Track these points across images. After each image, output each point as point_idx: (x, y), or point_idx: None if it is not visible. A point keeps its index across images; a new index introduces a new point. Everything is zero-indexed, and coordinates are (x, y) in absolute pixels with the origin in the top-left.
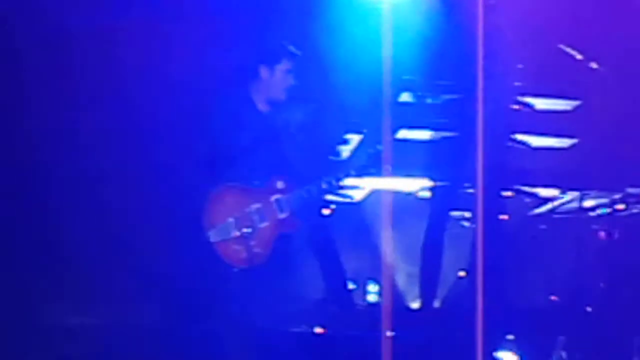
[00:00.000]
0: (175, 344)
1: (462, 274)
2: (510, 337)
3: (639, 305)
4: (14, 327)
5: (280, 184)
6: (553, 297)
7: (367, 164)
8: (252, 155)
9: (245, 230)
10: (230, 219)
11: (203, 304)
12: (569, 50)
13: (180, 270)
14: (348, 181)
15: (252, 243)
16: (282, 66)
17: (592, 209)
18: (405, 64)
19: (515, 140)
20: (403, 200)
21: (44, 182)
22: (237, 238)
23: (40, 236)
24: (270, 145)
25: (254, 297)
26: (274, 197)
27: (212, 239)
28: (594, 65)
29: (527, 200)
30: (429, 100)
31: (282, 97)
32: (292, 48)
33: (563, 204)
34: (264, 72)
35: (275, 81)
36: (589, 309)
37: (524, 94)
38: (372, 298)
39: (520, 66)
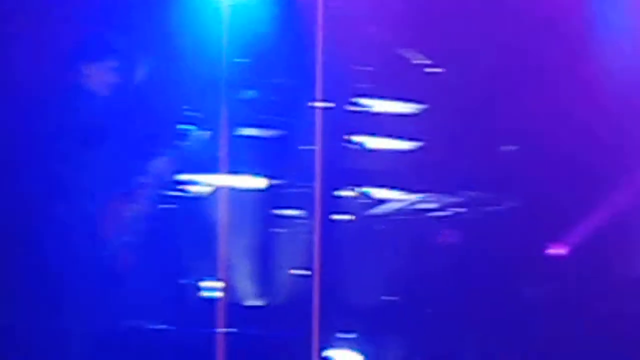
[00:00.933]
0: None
1: (298, 272)
2: (346, 335)
3: (475, 306)
4: None
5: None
6: (391, 297)
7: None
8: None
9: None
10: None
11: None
12: (410, 53)
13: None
14: (185, 176)
15: None
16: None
17: (432, 211)
18: (243, 62)
19: (350, 141)
20: (240, 197)
21: None
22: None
23: None
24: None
25: (86, 291)
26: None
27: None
28: (436, 69)
29: (365, 200)
30: (266, 98)
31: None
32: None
33: (403, 205)
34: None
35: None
36: (428, 310)
37: (362, 96)
38: (207, 294)
39: (360, 68)
